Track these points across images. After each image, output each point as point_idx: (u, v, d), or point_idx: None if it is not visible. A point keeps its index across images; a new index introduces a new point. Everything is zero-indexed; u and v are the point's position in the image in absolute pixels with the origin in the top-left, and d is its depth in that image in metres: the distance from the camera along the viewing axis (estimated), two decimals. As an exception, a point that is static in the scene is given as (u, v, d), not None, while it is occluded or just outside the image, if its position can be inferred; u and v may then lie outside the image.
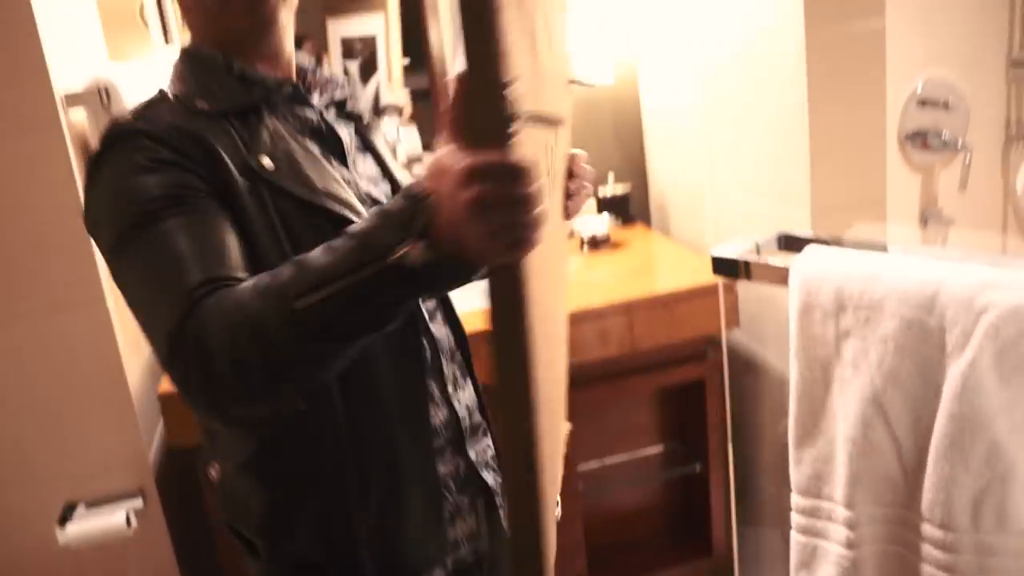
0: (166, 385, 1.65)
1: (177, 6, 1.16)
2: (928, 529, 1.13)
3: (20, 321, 1.51)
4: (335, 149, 1.16)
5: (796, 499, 1.29)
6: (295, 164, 1.06)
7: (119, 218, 0.94)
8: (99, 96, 1.58)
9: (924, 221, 1.97)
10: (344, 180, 1.10)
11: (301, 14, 1.15)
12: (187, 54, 1.12)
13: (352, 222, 0.95)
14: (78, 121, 1.59)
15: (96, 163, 0.99)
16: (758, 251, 1.37)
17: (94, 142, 1.61)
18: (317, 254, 0.83)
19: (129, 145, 0.97)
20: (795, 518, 1.30)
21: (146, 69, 1.78)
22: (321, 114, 1.16)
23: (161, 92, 1.09)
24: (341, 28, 2.51)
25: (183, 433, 1.67)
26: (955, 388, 1.07)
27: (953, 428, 1.08)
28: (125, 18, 2.08)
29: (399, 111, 2.50)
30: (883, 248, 1.27)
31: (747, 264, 1.33)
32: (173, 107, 1.05)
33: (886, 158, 1.73)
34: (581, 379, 1.96)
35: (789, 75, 1.70)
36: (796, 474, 1.29)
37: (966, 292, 1.05)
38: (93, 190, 0.99)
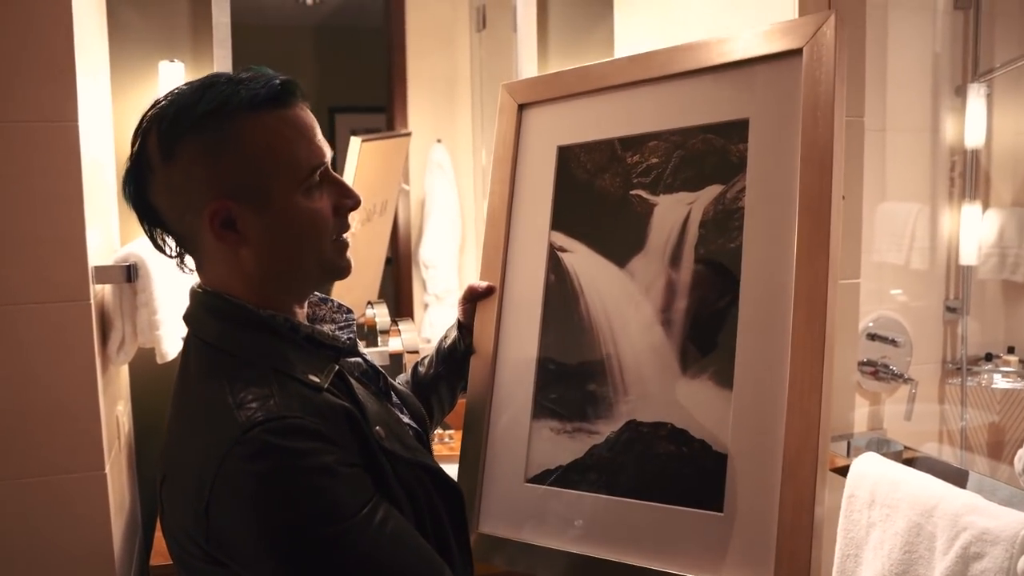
0: (158, 558, 1.64)
1: (205, 248, 0.97)
2: None
3: (19, 481, 1.52)
4: (381, 387, 1.09)
5: None
6: (389, 423, 1.00)
7: (316, 527, 0.86)
8: (127, 272, 1.65)
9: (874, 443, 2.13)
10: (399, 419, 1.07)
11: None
12: (247, 315, 0.96)
13: (438, 469, 1.03)
14: (103, 293, 1.66)
15: (272, 464, 0.86)
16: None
17: (115, 316, 1.67)
18: None
19: (299, 447, 0.87)
20: None
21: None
22: (362, 355, 1.08)
23: (247, 360, 0.94)
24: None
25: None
26: (937, 584, 1.31)
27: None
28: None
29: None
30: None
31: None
32: (288, 384, 0.92)
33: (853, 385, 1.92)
34: None
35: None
36: None
37: (955, 510, 1.33)
38: (271, 488, 0.85)
